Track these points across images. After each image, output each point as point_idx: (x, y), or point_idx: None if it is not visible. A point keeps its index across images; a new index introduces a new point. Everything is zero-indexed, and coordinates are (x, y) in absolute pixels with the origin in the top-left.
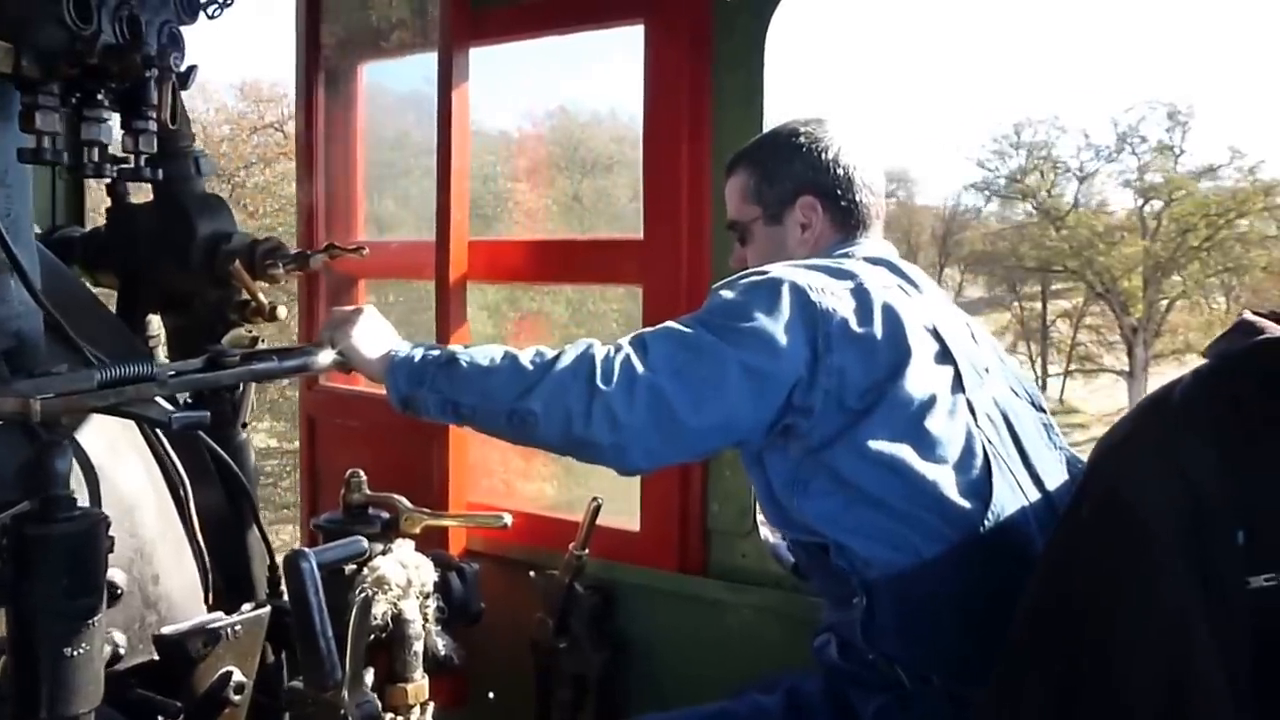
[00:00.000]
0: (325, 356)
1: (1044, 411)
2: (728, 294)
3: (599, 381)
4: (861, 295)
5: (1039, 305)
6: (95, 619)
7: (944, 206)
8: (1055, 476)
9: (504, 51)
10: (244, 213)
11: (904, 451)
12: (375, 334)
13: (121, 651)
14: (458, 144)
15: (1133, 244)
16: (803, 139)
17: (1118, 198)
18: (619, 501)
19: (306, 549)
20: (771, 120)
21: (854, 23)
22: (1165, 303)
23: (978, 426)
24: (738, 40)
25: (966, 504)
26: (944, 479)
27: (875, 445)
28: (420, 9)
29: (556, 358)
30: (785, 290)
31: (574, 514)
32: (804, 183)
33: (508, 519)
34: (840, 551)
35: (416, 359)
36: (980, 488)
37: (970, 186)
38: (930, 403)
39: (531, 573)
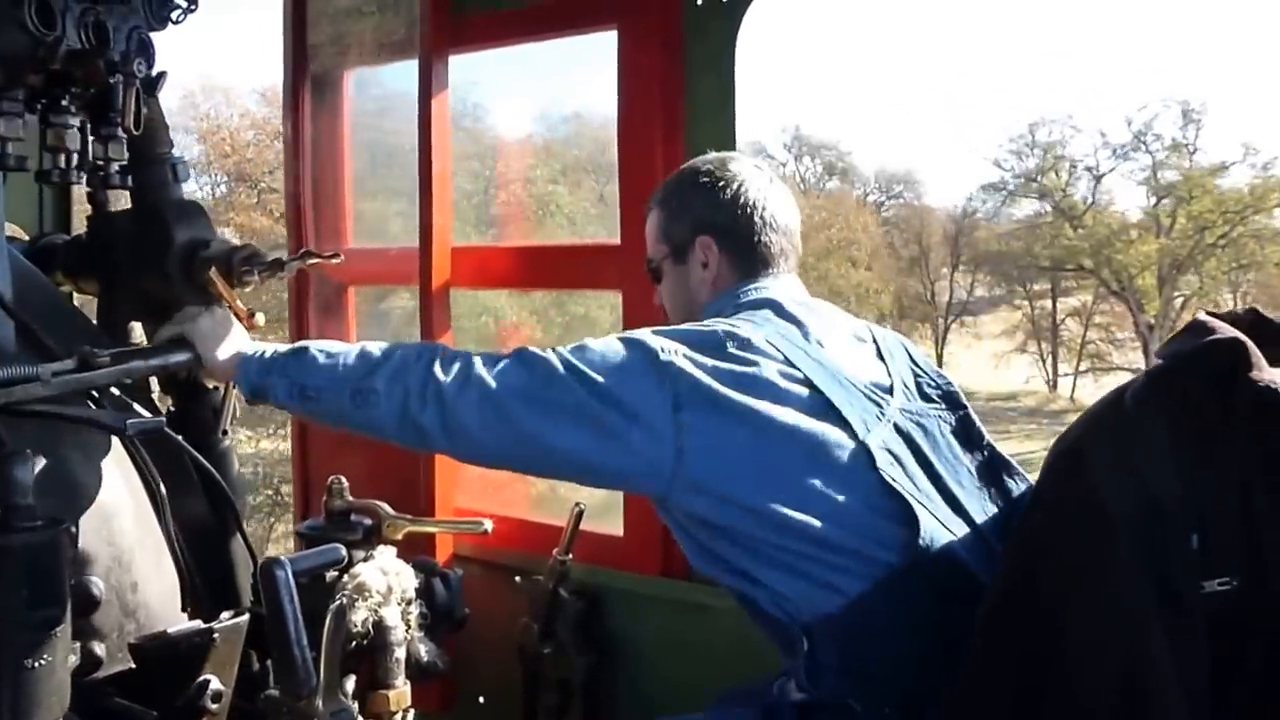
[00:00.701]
0: (183, 355)
1: (963, 408)
2: (594, 345)
3: (437, 368)
4: (729, 357)
5: (1048, 304)
6: (58, 630)
7: (954, 207)
8: (971, 488)
9: (518, 54)
10: (270, 217)
11: (791, 511)
12: (225, 333)
13: (100, 659)
14: (438, 150)
15: (1149, 241)
16: (704, 178)
17: (1126, 196)
18: (602, 506)
19: (282, 557)
20: (745, 123)
21: (862, 22)
22: (1180, 300)
23: (875, 467)
24: (710, 43)
25: (879, 539)
26: (846, 526)
27: (769, 509)
28: (405, 16)
29: (409, 346)
30: (642, 352)
31: (558, 519)
32: (703, 222)
33: (488, 525)
34: (772, 597)
35: (267, 354)
36: (894, 522)
37: (988, 186)
38: (809, 462)
39: (517, 578)
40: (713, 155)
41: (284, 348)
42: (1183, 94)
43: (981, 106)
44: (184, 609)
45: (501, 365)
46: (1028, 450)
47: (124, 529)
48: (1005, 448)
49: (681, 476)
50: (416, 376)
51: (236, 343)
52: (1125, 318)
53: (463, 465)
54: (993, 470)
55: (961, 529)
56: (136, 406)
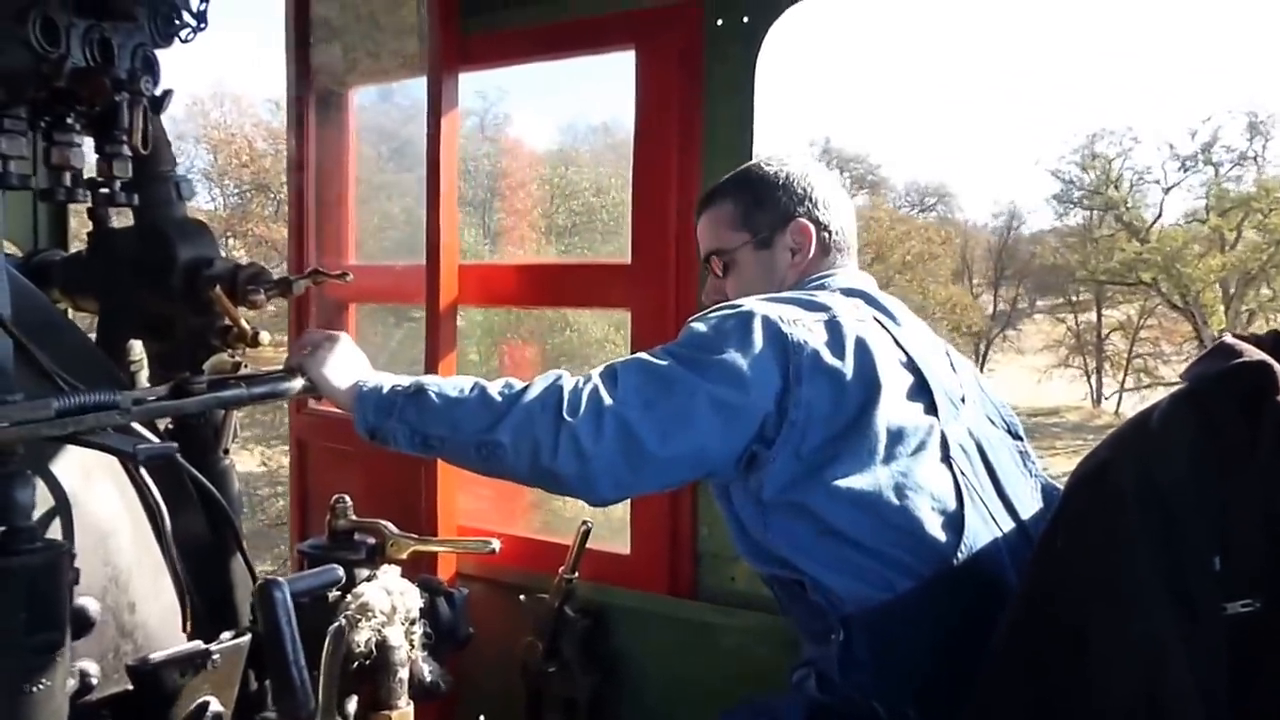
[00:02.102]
0: (295, 384)
1: (1021, 439)
2: (700, 326)
3: (566, 413)
4: (834, 328)
5: (1091, 318)
6: (57, 654)
7: (995, 219)
8: (1029, 505)
9: (558, 69)
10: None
11: (873, 488)
12: (345, 362)
13: (94, 681)
14: (446, 168)
15: (1215, 255)
16: (785, 170)
17: (1182, 208)
18: (608, 525)
19: (280, 578)
20: (775, 136)
21: (893, 34)
22: (1246, 314)
23: (950, 459)
24: (730, 66)
25: (939, 538)
26: (915, 514)
27: (843, 482)
28: (411, 33)
29: (525, 389)
30: (757, 323)
31: (564, 537)
32: (794, 209)
33: (495, 545)
34: (816, 586)
35: (385, 389)
36: (953, 521)
37: (1053, 198)
38: (900, 437)
39: (522, 596)
40: (773, 154)
41: (401, 383)
42: (1249, 105)
43: (1032, 117)
44: (183, 629)
45: (628, 398)
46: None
47: (121, 548)
48: (1051, 465)
49: (784, 449)
50: (545, 428)
51: (354, 373)
52: (1172, 332)
53: (465, 484)
54: (1046, 497)
55: (1017, 540)
56: (138, 427)
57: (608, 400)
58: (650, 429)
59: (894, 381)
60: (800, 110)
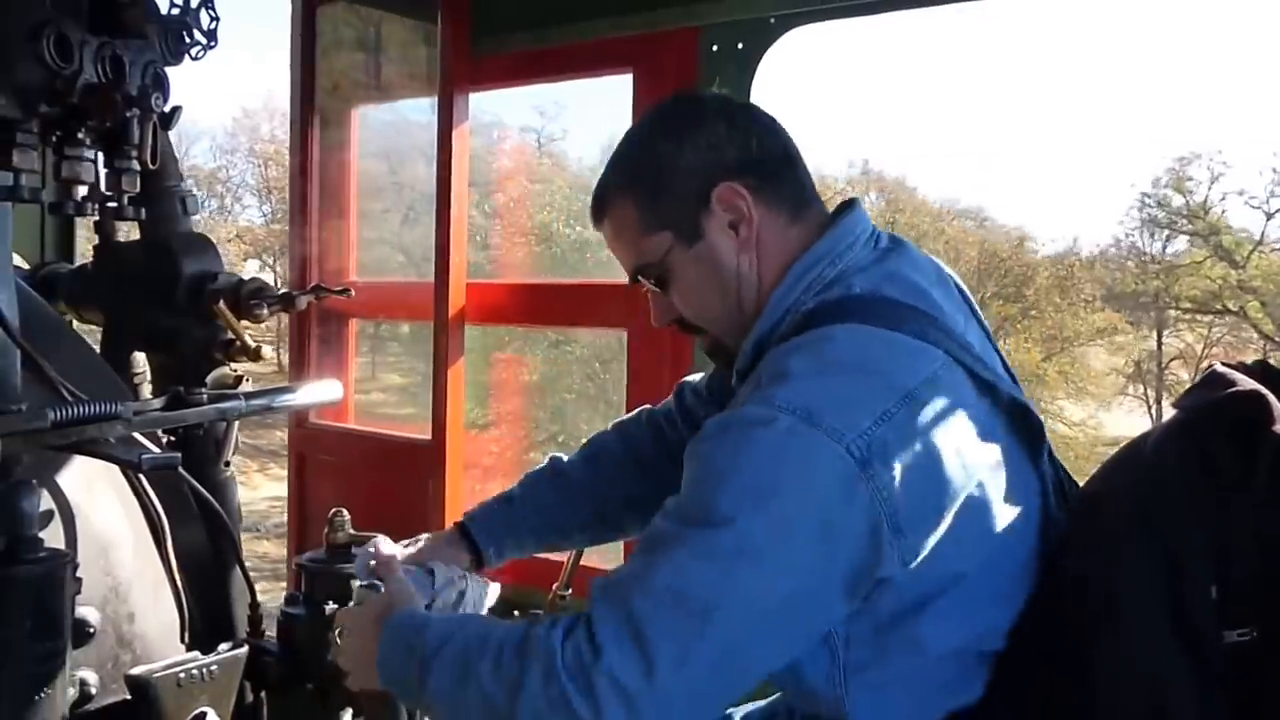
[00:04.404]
0: (294, 397)
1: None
2: (731, 493)
3: (585, 714)
4: (918, 425)
5: (1151, 345)
6: (59, 663)
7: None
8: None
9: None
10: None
11: (975, 620)
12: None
13: (93, 691)
14: (456, 187)
15: None
16: (664, 127)
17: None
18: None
19: (376, 580)
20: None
21: (927, 53)
22: None
23: (1044, 494)
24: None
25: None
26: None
27: (940, 633)
28: (415, 54)
29: (521, 675)
30: (821, 464)
31: (558, 554)
32: (706, 169)
33: None
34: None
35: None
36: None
37: (1148, 222)
38: (1012, 527)
39: (515, 613)
40: (647, 109)
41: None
42: None
43: (1128, 141)
44: (181, 640)
45: (657, 657)
46: None
47: (122, 559)
48: None
49: (884, 599)
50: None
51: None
52: (1235, 360)
53: (465, 498)
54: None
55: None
56: (140, 438)
57: (634, 682)
58: (702, 692)
59: (991, 428)
60: (841, 130)
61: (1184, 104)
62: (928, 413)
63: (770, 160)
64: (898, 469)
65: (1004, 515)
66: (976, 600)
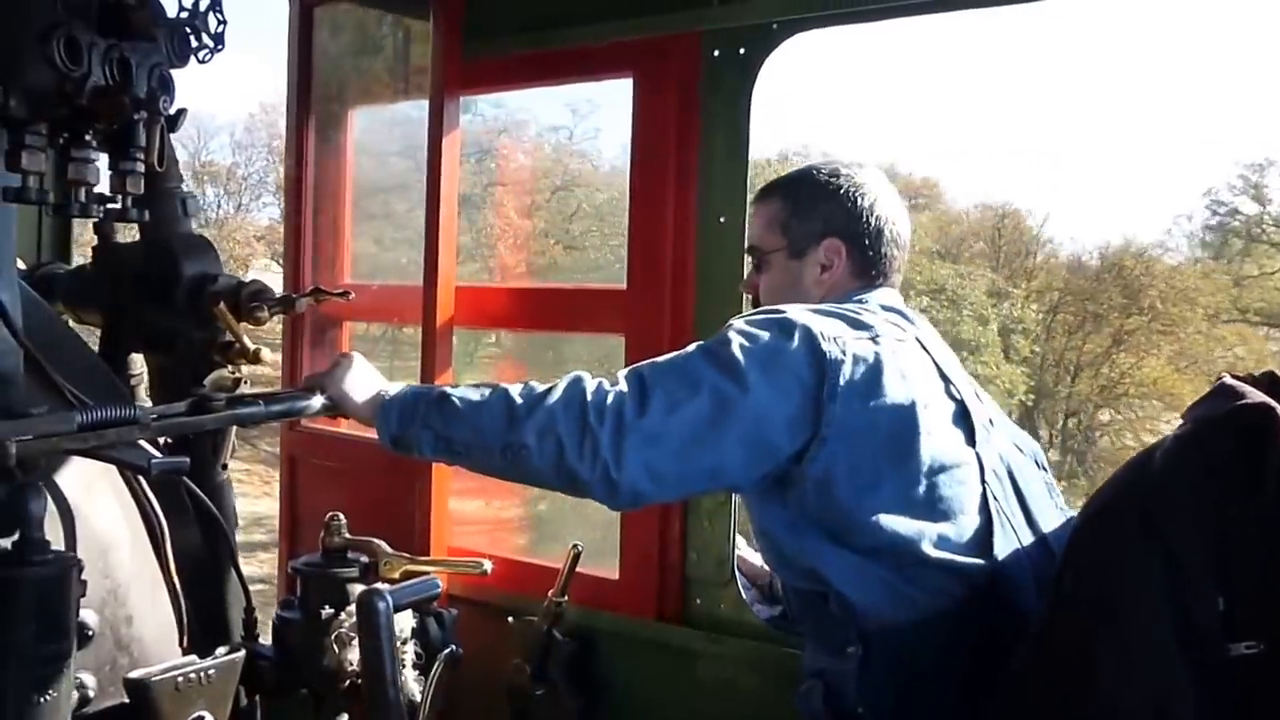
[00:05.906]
0: (315, 401)
1: (1046, 471)
2: (739, 335)
3: (590, 418)
4: (875, 350)
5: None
6: (64, 665)
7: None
8: (1058, 532)
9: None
10: (381, 245)
11: (911, 512)
12: (363, 378)
13: (91, 694)
14: (446, 191)
15: None
16: (841, 181)
17: None
18: (598, 548)
19: (381, 586)
20: (756, 174)
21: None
22: None
23: (984, 482)
24: (725, 95)
25: (970, 561)
26: (950, 539)
27: (884, 513)
28: (410, 57)
29: (548, 391)
30: (798, 335)
31: (554, 560)
32: (834, 225)
33: (488, 566)
34: (839, 601)
35: (408, 397)
36: (983, 545)
37: (1222, 229)
38: (941, 465)
39: (510, 619)
40: (839, 161)
41: (424, 391)
42: None
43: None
44: (179, 643)
45: (653, 414)
46: None
47: (121, 562)
48: None
49: (816, 466)
50: (569, 430)
51: (373, 386)
52: None
53: (456, 503)
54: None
55: (1043, 565)
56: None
57: (631, 408)
58: (672, 441)
59: (936, 408)
60: (871, 132)
61: (1256, 109)
62: (885, 342)
63: (870, 234)
64: (848, 360)
65: (936, 433)
66: (914, 505)
